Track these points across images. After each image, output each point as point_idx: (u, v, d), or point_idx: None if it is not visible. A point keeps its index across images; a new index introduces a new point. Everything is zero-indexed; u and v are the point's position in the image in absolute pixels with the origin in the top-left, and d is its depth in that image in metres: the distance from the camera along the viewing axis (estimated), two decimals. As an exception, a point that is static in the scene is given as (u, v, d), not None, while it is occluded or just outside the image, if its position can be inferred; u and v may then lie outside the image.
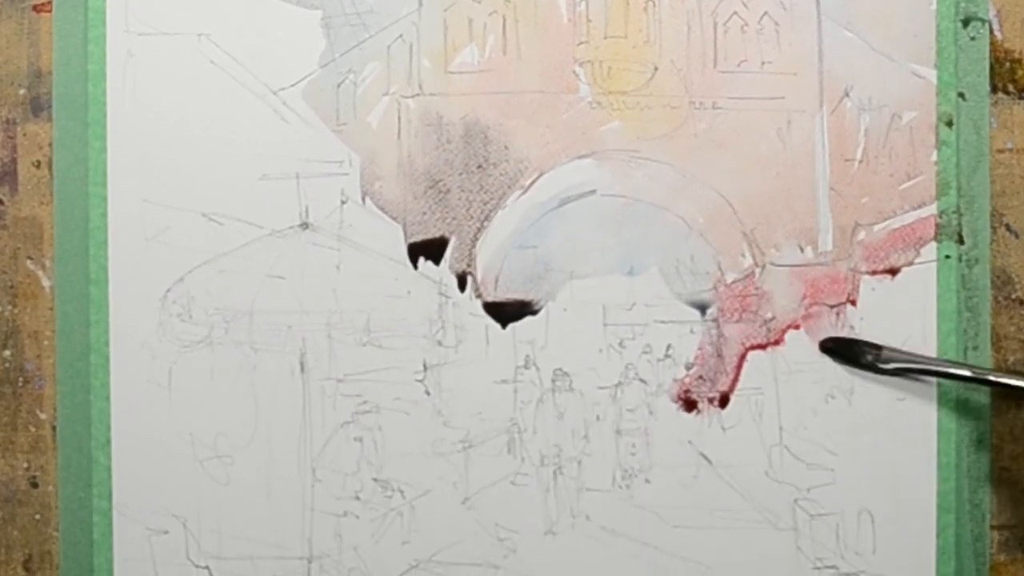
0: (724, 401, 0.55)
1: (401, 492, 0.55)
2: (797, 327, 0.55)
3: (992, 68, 0.55)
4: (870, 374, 0.54)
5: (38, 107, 0.55)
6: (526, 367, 0.55)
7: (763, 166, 0.55)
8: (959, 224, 0.55)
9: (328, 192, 0.55)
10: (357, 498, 0.55)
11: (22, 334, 0.55)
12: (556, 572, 0.55)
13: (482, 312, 0.55)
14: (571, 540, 0.55)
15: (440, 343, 0.55)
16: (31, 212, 0.55)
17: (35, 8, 0.55)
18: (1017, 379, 0.51)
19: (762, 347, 0.55)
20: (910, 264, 0.55)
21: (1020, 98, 0.55)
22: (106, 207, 0.54)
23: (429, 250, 0.55)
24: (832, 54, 0.55)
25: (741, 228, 0.55)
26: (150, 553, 0.55)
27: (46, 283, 0.55)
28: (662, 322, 0.55)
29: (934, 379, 0.54)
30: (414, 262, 0.55)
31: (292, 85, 0.55)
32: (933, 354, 0.54)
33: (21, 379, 0.55)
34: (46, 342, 0.55)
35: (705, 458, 0.55)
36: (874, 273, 0.55)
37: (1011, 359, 0.55)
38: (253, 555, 0.55)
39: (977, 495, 0.55)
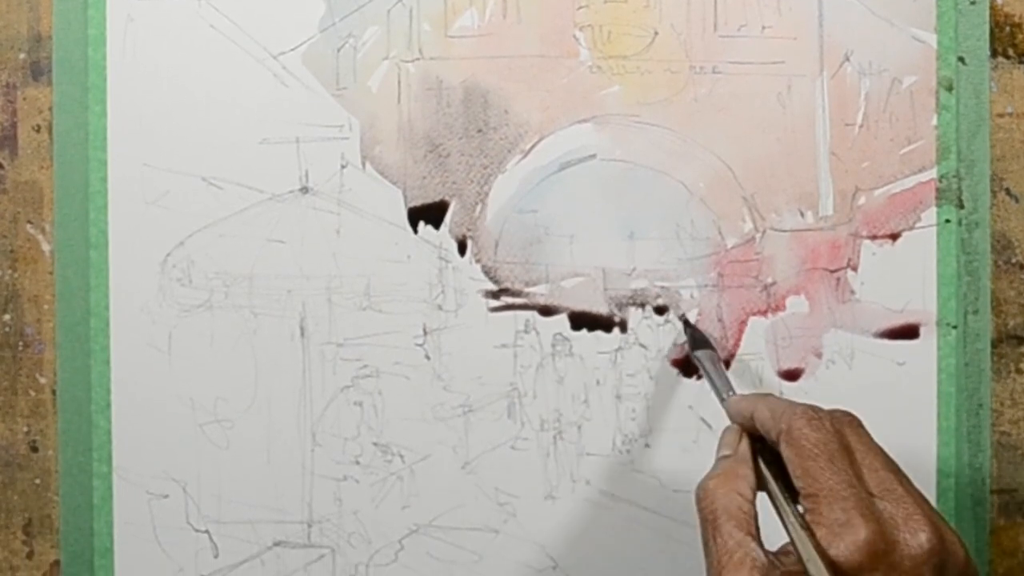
0: (725, 366, 0.55)
1: (401, 456, 0.55)
2: (798, 292, 0.55)
3: (992, 32, 0.55)
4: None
5: (38, 71, 0.55)
6: (526, 332, 0.55)
7: (763, 131, 0.55)
8: (959, 188, 0.55)
9: (328, 156, 0.55)
10: (357, 462, 0.55)
11: (22, 298, 0.55)
12: (556, 536, 0.55)
13: (482, 276, 0.55)
14: (571, 505, 0.55)
15: (440, 307, 0.55)
16: (31, 176, 0.55)
17: (35, -28, 0.55)
18: None
19: (763, 312, 0.55)
20: (910, 228, 0.55)
21: (1020, 62, 0.55)
22: (106, 171, 0.54)
23: (429, 214, 0.55)
24: (832, 18, 0.55)
25: (741, 193, 0.55)
26: (150, 517, 0.55)
27: (46, 247, 0.55)
28: (663, 287, 0.55)
29: (931, 343, 0.54)
30: (414, 226, 0.55)
31: (292, 49, 0.54)
32: (934, 316, 0.54)
33: (21, 343, 0.55)
34: (46, 306, 0.55)
35: (705, 423, 0.55)
36: (874, 238, 0.55)
37: (1011, 323, 0.55)
38: (253, 519, 0.55)
39: (977, 460, 0.55)
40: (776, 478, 0.41)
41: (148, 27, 0.54)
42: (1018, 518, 0.55)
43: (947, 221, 0.55)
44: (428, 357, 0.55)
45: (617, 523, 0.55)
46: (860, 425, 0.42)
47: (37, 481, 0.55)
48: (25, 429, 0.55)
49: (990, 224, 0.55)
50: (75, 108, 0.54)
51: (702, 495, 0.41)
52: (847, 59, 0.55)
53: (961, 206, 0.55)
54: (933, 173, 0.55)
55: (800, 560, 0.37)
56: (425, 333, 0.55)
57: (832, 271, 0.55)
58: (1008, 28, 0.55)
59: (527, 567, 0.55)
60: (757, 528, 0.39)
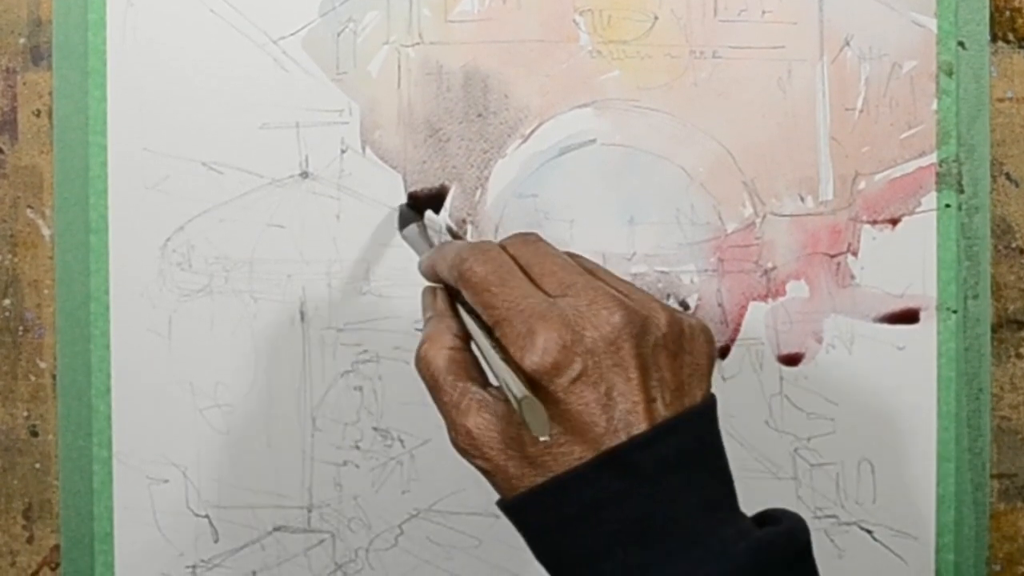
0: (725, 351, 0.55)
1: (401, 441, 0.55)
2: (798, 277, 0.55)
3: (992, 17, 0.55)
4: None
5: (38, 56, 0.55)
6: (526, 316, 0.55)
7: (764, 116, 0.55)
8: (959, 173, 0.55)
9: (328, 141, 0.55)
10: (357, 447, 0.55)
11: (22, 283, 0.55)
12: (556, 521, 0.55)
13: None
14: (571, 489, 0.55)
15: (440, 292, 0.55)
16: (31, 161, 0.55)
17: (35, -43, 0.55)
18: None
19: (763, 297, 0.55)
20: (910, 213, 0.55)
21: (1020, 47, 0.55)
22: (106, 156, 0.54)
23: (429, 199, 0.55)
24: (832, 3, 0.55)
25: (741, 178, 0.55)
26: (150, 502, 0.55)
27: (46, 232, 0.55)
28: (662, 272, 0.55)
29: (931, 328, 0.54)
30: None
31: (292, 34, 0.54)
32: (934, 301, 0.55)
33: (21, 328, 0.55)
34: (46, 291, 0.55)
35: (705, 408, 0.55)
36: (875, 222, 0.55)
37: (1011, 307, 0.55)
38: (253, 504, 0.55)
39: (977, 444, 0.55)
40: (474, 319, 0.41)
41: (148, 12, 0.54)
42: (1018, 503, 0.55)
43: (947, 206, 0.55)
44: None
45: (617, 508, 0.55)
46: (537, 239, 0.41)
47: (37, 466, 0.55)
48: (25, 414, 0.55)
49: (990, 209, 0.55)
50: (75, 93, 0.54)
51: (420, 364, 0.40)
52: (847, 44, 0.55)
53: (961, 191, 0.55)
54: (933, 158, 0.55)
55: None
56: (425, 318, 0.55)
57: (832, 256, 0.55)
58: (1008, 13, 0.55)
59: (527, 552, 0.55)
60: (480, 371, 0.40)
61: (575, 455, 0.37)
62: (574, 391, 0.36)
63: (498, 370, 0.37)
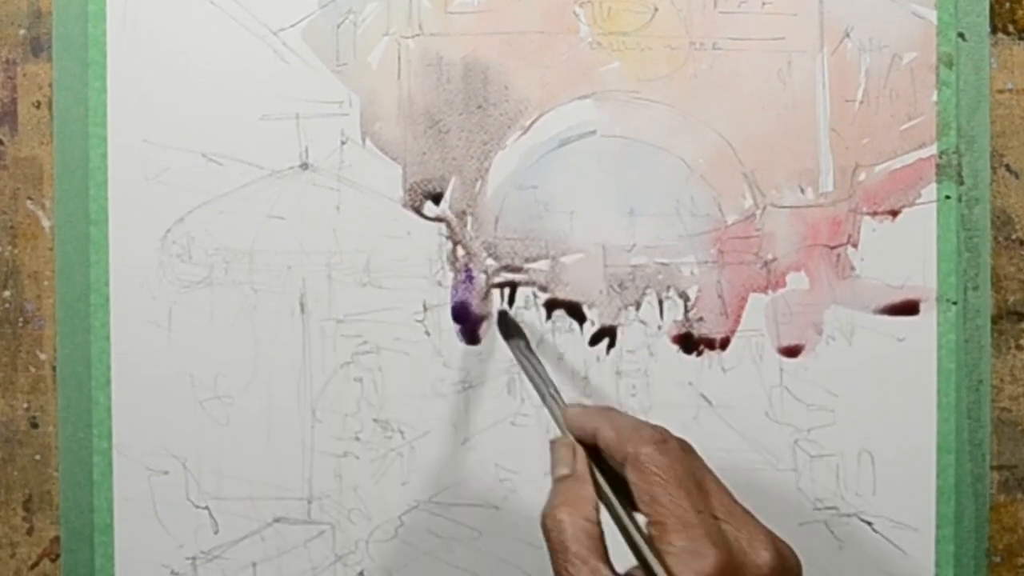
0: (725, 343, 0.55)
1: (401, 433, 0.55)
2: (798, 269, 0.55)
3: (992, 8, 0.55)
4: None
5: (38, 47, 0.55)
6: (526, 308, 0.55)
7: (764, 107, 0.55)
8: (959, 165, 0.55)
9: (328, 132, 0.55)
10: (357, 439, 0.55)
11: (22, 274, 0.55)
12: (556, 513, 0.55)
13: (483, 252, 0.55)
14: (571, 481, 0.55)
15: (440, 283, 0.55)
16: (31, 152, 0.55)
17: (35, -52, 0.55)
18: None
19: (763, 289, 0.55)
20: (910, 205, 0.55)
21: (1020, 38, 0.55)
22: (106, 147, 0.54)
23: (429, 190, 0.55)
24: (832, -6, 0.55)
25: (742, 169, 0.55)
26: (150, 493, 0.55)
27: (46, 223, 0.55)
28: (662, 263, 0.55)
29: (931, 319, 0.54)
30: (414, 202, 0.55)
31: (292, 25, 0.54)
32: (934, 293, 0.54)
33: (21, 319, 0.55)
34: (46, 282, 0.55)
35: (705, 399, 0.55)
36: (875, 214, 0.55)
37: (1011, 299, 0.55)
38: (253, 495, 0.55)
39: (977, 435, 0.55)
40: (617, 496, 0.40)
41: (148, 3, 0.54)
42: (1018, 494, 0.55)
43: (947, 197, 0.55)
44: (428, 333, 0.55)
45: (617, 499, 0.55)
46: (692, 450, 0.42)
47: (37, 457, 0.55)
48: (25, 405, 0.55)
49: (990, 200, 0.55)
50: (75, 84, 0.54)
51: (550, 524, 0.39)
52: (847, 35, 0.55)
53: (961, 182, 0.55)
54: (933, 149, 0.55)
55: None
56: (425, 309, 0.55)
57: (832, 247, 0.55)
58: (1008, 4, 0.55)
59: (527, 543, 0.55)
60: (606, 550, 0.39)
61: None
62: None
63: (655, 570, 0.37)
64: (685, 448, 0.41)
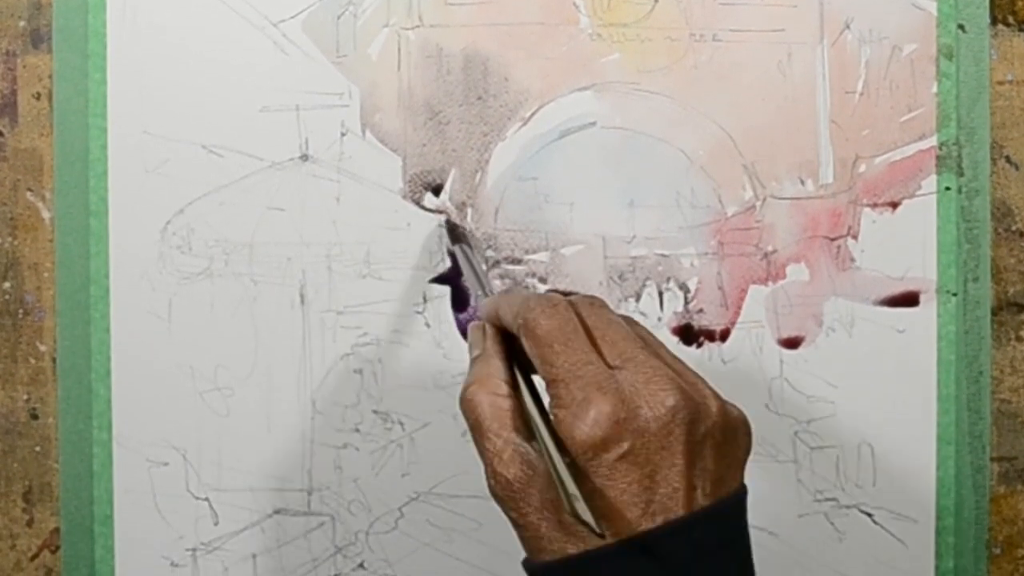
0: (725, 334, 0.55)
1: (401, 424, 0.55)
2: (798, 260, 0.55)
3: (992, 0, 0.55)
4: None
5: (38, 39, 0.55)
6: (526, 299, 0.55)
7: (764, 99, 0.55)
8: (959, 156, 0.55)
9: (328, 124, 0.55)
10: (357, 430, 0.55)
11: (22, 266, 0.55)
12: (556, 504, 0.55)
13: (483, 244, 0.55)
14: (571, 472, 0.55)
15: (440, 276, 0.55)
16: (31, 144, 0.55)
17: (35, -60, 0.55)
18: None
19: (763, 281, 0.55)
20: (911, 196, 0.55)
21: (1020, 30, 0.55)
22: (106, 139, 0.54)
23: (429, 182, 0.55)
24: (832, -14, 0.55)
25: (742, 161, 0.55)
26: (150, 485, 0.55)
27: (46, 215, 0.55)
28: (662, 255, 0.55)
29: (931, 311, 0.54)
30: (414, 194, 0.55)
31: (292, 17, 0.54)
32: (934, 284, 0.55)
33: (21, 311, 0.55)
34: (46, 274, 0.55)
35: (705, 391, 0.55)
36: (875, 206, 0.55)
37: (1011, 290, 0.55)
38: (253, 487, 0.55)
39: (977, 427, 0.55)
40: (524, 370, 0.41)
41: (148, -5, 0.54)
42: (1018, 486, 0.55)
43: (947, 189, 0.55)
44: (428, 325, 0.55)
45: (617, 491, 0.55)
46: (603, 305, 0.41)
47: (37, 449, 0.55)
48: (25, 397, 0.55)
49: (990, 192, 0.55)
50: (75, 75, 0.54)
51: (465, 404, 0.40)
52: (847, 27, 0.55)
53: (961, 174, 0.55)
54: (933, 141, 0.55)
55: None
56: (425, 301, 0.55)
57: (832, 239, 0.55)
58: (1008, -5, 0.55)
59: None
60: (523, 421, 0.39)
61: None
62: (618, 468, 0.36)
63: (536, 431, 0.37)
64: (581, 305, 0.40)
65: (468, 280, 0.50)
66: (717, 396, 0.39)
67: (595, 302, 0.41)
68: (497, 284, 0.54)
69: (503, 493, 0.38)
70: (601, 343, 0.39)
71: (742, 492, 0.39)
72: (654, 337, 0.41)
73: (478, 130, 0.55)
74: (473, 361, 0.42)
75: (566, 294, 0.41)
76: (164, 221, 0.55)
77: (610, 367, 0.38)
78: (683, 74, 0.55)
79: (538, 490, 0.37)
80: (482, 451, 0.39)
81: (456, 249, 0.53)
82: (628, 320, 0.41)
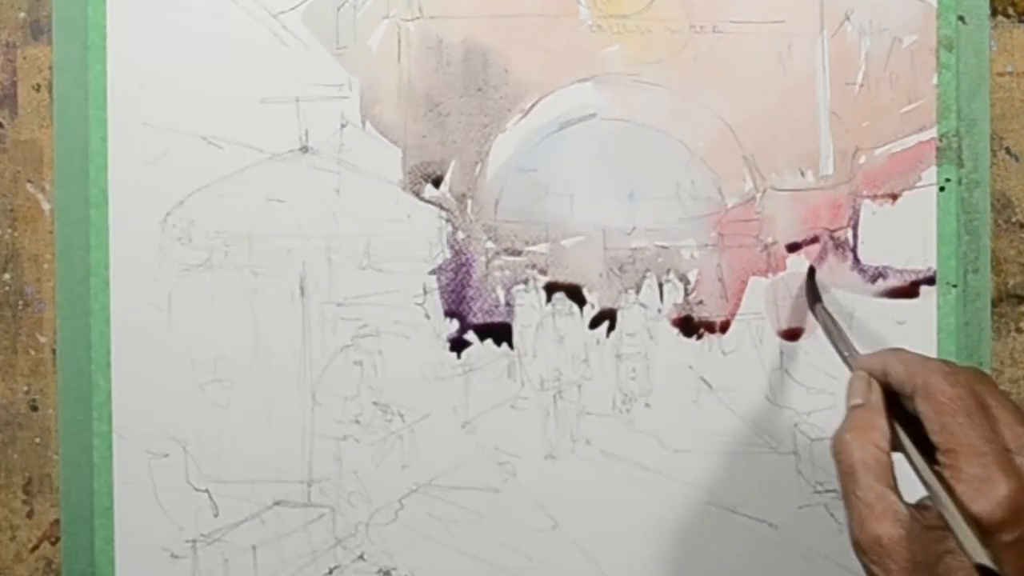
0: (725, 326, 0.55)
1: (401, 416, 0.55)
2: (798, 252, 0.55)
3: (992, -9, 0.55)
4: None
5: (38, 31, 0.55)
6: (526, 291, 0.55)
7: (764, 90, 0.55)
8: (959, 148, 0.55)
9: (328, 116, 0.55)
10: (357, 422, 0.55)
11: (22, 257, 0.55)
12: (556, 496, 0.55)
13: (483, 235, 0.55)
14: (571, 464, 0.55)
15: (440, 267, 0.55)
16: (31, 135, 0.55)
17: (35, -69, 0.55)
18: None
19: (763, 272, 0.55)
20: (910, 188, 0.55)
21: (1020, 21, 0.55)
22: (106, 130, 0.54)
23: (429, 173, 0.55)
24: (833, -23, 0.55)
25: (742, 152, 0.55)
26: (150, 476, 0.55)
27: (46, 206, 0.55)
28: (662, 247, 0.55)
29: (932, 302, 0.54)
30: (414, 185, 0.55)
31: (292, 8, 0.54)
32: (934, 275, 0.54)
33: (21, 303, 0.55)
34: (46, 266, 0.55)
35: (705, 382, 0.55)
36: (875, 197, 0.55)
37: (1011, 282, 0.55)
38: (253, 479, 0.55)
39: (977, 419, 0.55)
40: (908, 432, 0.41)
41: (148, -14, 0.54)
42: (1018, 477, 0.55)
43: (947, 180, 0.55)
44: (428, 316, 0.55)
45: (617, 482, 0.55)
46: (992, 381, 0.41)
47: (37, 440, 0.55)
48: (25, 388, 0.55)
49: (990, 183, 0.55)
50: (75, 67, 0.54)
51: (839, 447, 0.40)
52: (847, 18, 0.55)
53: (961, 165, 0.55)
54: (933, 132, 0.55)
55: (940, 515, 0.37)
56: (425, 292, 0.55)
57: (832, 231, 0.55)
58: (1008, -13, 0.55)
59: (527, 527, 0.55)
60: (894, 477, 0.39)
61: None
62: (1008, 552, 0.36)
63: (943, 500, 0.37)
64: (978, 379, 0.41)
65: (834, 338, 0.50)
66: None
67: (986, 377, 0.42)
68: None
69: (871, 547, 0.38)
70: (998, 422, 0.39)
71: None
72: None
73: (478, 122, 0.55)
74: (853, 408, 0.42)
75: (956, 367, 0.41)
76: (164, 212, 0.55)
77: (1007, 449, 0.38)
78: (683, 66, 0.55)
79: (908, 550, 0.38)
80: (851, 500, 0.39)
81: (818, 309, 0.53)
82: (1011, 400, 0.41)
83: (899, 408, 0.42)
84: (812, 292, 0.54)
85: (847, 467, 0.40)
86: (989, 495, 0.36)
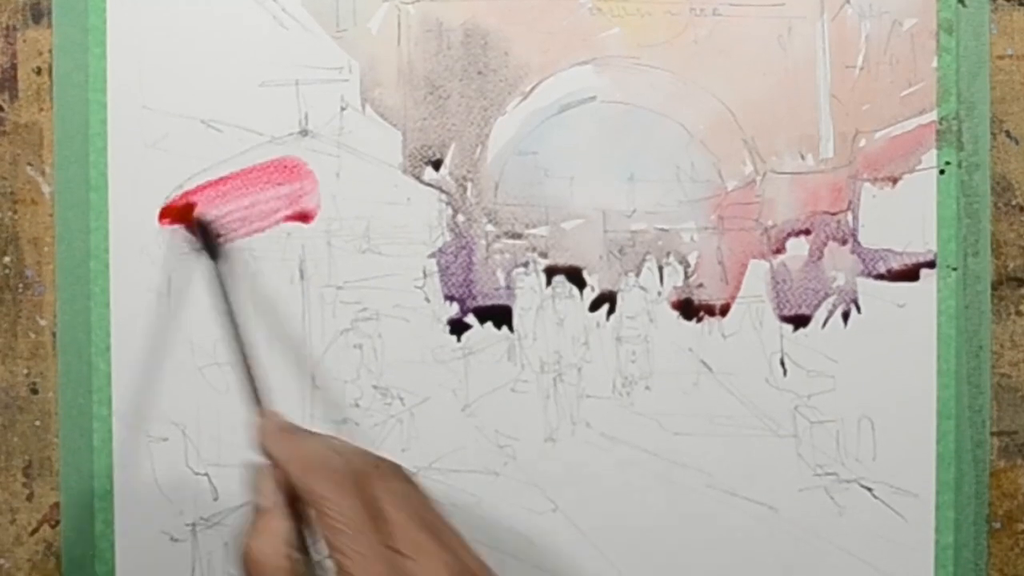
0: (725, 309, 0.55)
1: (401, 399, 0.55)
2: (798, 235, 0.55)
3: (993, -26, 0.55)
4: None
5: (38, 13, 0.55)
6: (526, 274, 0.55)
7: (764, 73, 0.55)
8: (959, 131, 0.55)
9: (328, 99, 0.54)
10: (357, 405, 0.55)
11: (22, 240, 0.55)
12: (556, 479, 0.55)
13: (483, 218, 0.55)
14: (571, 447, 0.55)
15: (440, 250, 0.55)
16: (31, 118, 0.55)
17: (35, -86, 0.55)
18: None
19: (763, 255, 0.55)
20: (911, 171, 0.55)
21: (1020, 4, 0.55)
22: (106, 113, 0.54)
23: (429, 156, 0.55)
24: (833, -40, 0.55)
25: (742, 135, 0.55)
26: (149, 460, 0.55)
27: (46, 189, 0.55)
28: (662, 229, 0.55)
29: (932, 285, 0.54)
30: (414, 169, 0.55)
31: (292, -9, 0.55)
32: (934, 259, 0.54)
33: (21, 286, 0.55)
34: (46, 249, 0.55)
35: (706, 365, 0.55)
36: (875, 180, 0.55)
37: (1011, 265, 0.55)
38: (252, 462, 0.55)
39: (977, 402, 0.55)
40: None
41: (148, -31, 0.54)
42: (1018, 460, 0.55)
43: (947, 163, 0.55)
44: (428, 300, 0.55)
45: (617, 465, 0.55)
46: (393, 476, 0.42)
47: (37, 423, 0.55)
48: (25, 371, 0.55)
49: (990, 166, 0.55)
50: (75, 50, 0.54)
51: (247, 558, 0.40)
52: (847, 1, 0.55)
53: (961, 148, 0.55)
54: (933, 115, 0.55)
55: None
56: (425, 276, 0.55)
57: (833, 214, 0.55)
58: (1008, -31, 0.55)
59: (527, 509, 0.55)
60: None
61: None
62: None
63: None
64: (371, 477, 0.41)
65: (233, 339, 0.48)
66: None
67: (384, 472, 0.42)
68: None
69: None
70: (393, 526, 0.39)
71: None
72: (439, 516, 0.42)
73: (478, 104, 0.55)
74: (257, 510, 0.42)
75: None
76: (164, 196, 0.55)
77: (402, 554, 0.38)
78: (683, 48, 0.55)
79: None
80: None
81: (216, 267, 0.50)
82: (414, 496, 0.42)
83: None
84: (209, 247, 0.52)
85: None
86: None
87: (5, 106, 0.55)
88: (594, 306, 0.55)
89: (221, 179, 0.54)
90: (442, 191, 0.55)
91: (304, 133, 0.55)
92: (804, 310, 0.55)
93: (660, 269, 0.55)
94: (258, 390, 0.48)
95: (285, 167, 0.54)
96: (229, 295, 0.49)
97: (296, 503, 0.41)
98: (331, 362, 0.55)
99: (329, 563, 0.39)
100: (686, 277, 0.55)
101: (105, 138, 0.54)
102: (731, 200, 0.55)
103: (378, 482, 0.41)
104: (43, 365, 0.55)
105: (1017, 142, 0.55)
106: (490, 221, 0.55)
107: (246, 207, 0.54)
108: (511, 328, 0.55)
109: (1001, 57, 0.55)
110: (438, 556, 0.39)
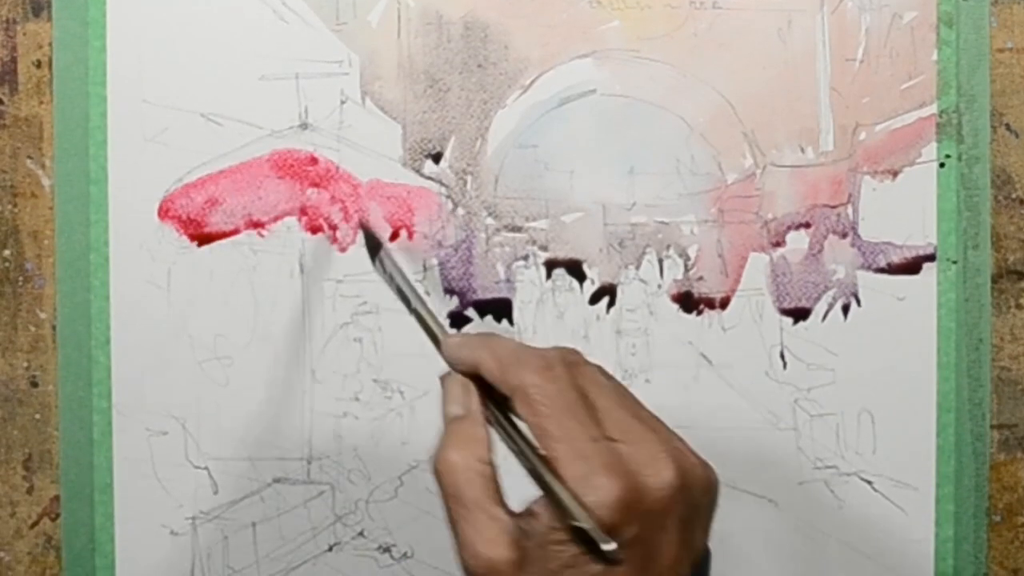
0: (725, 302, 0.55)
1: (401, 393, 0.55)
2: (798, 228, 0.55)
3: (993, -33, 0.55)
4: None
5: (38, 7, 0.55)
6: (526, 267, 0.55)
7: (764, 66, 0.55)
8: (959, 124, 0.55)
9: (328, 92, 0.54)
10: (357, 399, 0.55)
11: (22, 234, 0.55)
12: (556, 472, 0.55)
13: (483, 211, 0.55)
14: (571, 440, 0.55)
15: (440, 243, 0.55)
16: (31, 112, 0.55)
17: (34, -92, 0.55)
18: None
19: (763, 248, 0.55)
20: (911, 164, 0.55)
21: (1021, -3, 0.55)
22: (106, 107, 0.54)
23: (429, 150, 0.55)
24: (833, -47, 0.55)
25: (742, 128, 0.55)
26: (149, 453, 0.55)
27: (46, 183, 0.55)
28: (662, 222, 0.55)
29: (932, 278, 0.54)
30: (414, 162, 0.55)
31: (292, -15, 0.54)
32: (934, 252, 0.54)
33: (21, 279, 0.55)
34: (46, 242, 0.55)
35: (705, 358, 0.55)
36: (875, 173, 0.55)
37: (1011, 258, 0.55)
38: (252, 456, 0.55)
39: (977, 395, 0.55)
40: (515, 428, 0.38)
41: (147, -38, 0.54)
42: (1018, 453, 0.55)
43: (947, 156, 0.55)
44: (428, 293, 0.55)
45: (617, 459, 0.55)
46: (587, 363, 0.40)
47: (37, 416, 0.55)
48: (25, 364, 0.55)
49: (990, 159, 0.55)
50: (75, 43, 0.54)
51: (443, 468, 0.37)
52: (847, -6, 0.55)
53: (961, 141, 0.55)
54: (933, 108, 0.55)
55: (557, 520, 0.35)
56: (425, 269, 0.55)
57: (833, 207, 0.55)
58: (1008, -38, 0.55)
59: (527, 503, 0.55)
60: (500, 492, 0.37)
61: None
62: (629, 550, 0.35)
63: (568, 502, 0.35)
64: (574, 364, 0.39)
65: (400, 294, 0.46)
66: (701, 463, 0.38)
67: (580, 358, 0.40)
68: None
69: (484, 572, 0.36)
70: (599, 410, 0.37)
71: (707, 553, 0.39)
72: (646, 408, 0.39)
73: (478, 98, 0.55)
74: (452, 421, 0.40)
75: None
76: (163, 189, 0.55)
77: (610, 439, 0.36)
78: (683, 41, 0.55)
79: (524, 571, 0.35)
80: (459, 522, 0.37)
81: (382, 258, 0.49)
82: (620, 387, 0.40)
83: (498, 396, 0.39)
84: (371, 242, 0.51)
85: (452, 488, 0.37)
86: (594, 499, 0.34)
87: (5, 99, 0.55)
88: (594, 299, 0.55)
89: (221, 172, 0.54)
90: (442, 184, 0.55)
91: (304, 126, 0.55)
92: (804, 303, 0.55)
93: (660, 262, 0.55)
94: (437, 327, 0.45)
95: (287, 160, 0.54)
96: (396, 280, 0.48)
97: (490, 397, 0.39)
98: (331, 356, 0.55)
99: (534, 458, 0.37)
100: (686, 270, 0.55)
101: (105, 131, 0.54)
102: (731, 193, 0.55)
103: (584, 370, 0.39)
104: (43, 358, 0.55)
105: (1017, 135, 0.55)
106: (490, 214, 0.55)
107: (247, 200, 0.54)
108: (511, 321, 0.55)
109: (1001, 50, 0.55)
110: (651, 439, 0.36)
